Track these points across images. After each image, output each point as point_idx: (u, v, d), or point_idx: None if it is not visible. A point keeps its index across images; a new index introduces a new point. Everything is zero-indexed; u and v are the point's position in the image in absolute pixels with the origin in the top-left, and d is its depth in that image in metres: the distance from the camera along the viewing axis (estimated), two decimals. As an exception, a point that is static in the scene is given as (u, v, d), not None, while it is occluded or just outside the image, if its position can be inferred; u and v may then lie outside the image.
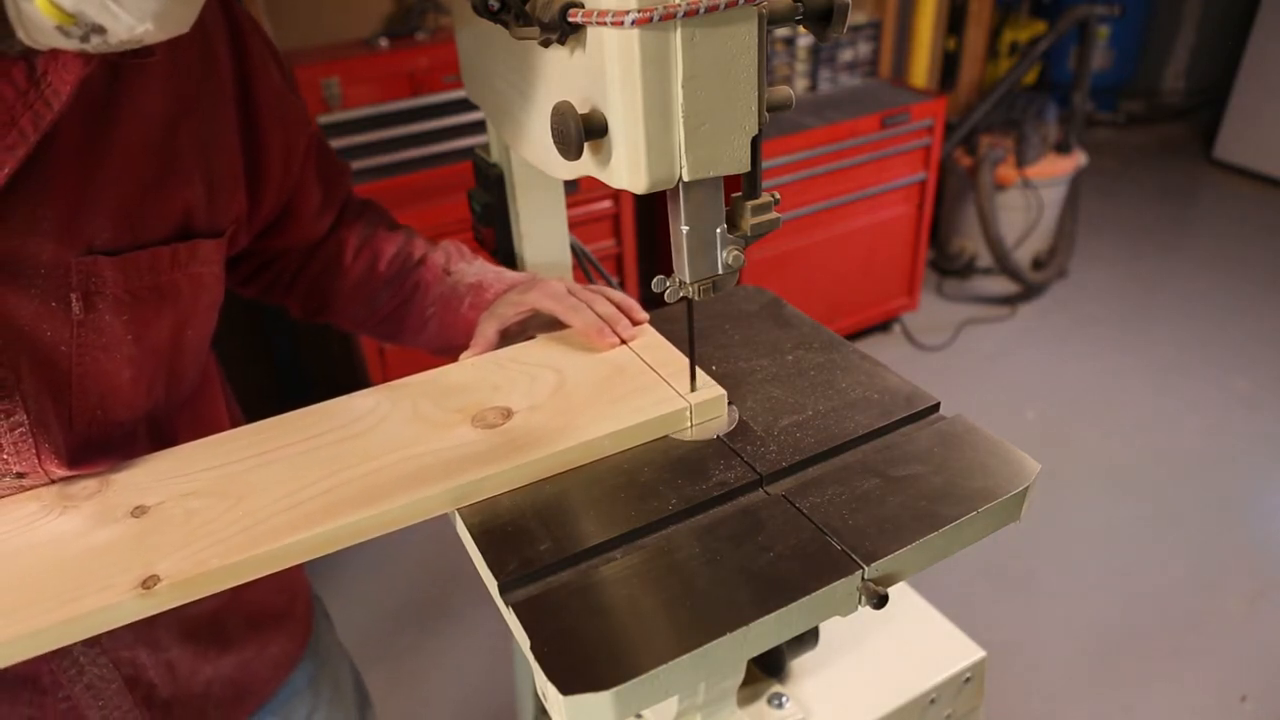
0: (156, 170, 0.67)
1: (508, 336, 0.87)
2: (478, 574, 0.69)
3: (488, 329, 0.86)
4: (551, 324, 0.86)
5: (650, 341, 0.85)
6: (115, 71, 0.63)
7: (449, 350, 0.91)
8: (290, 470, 0.70)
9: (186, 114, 0.69)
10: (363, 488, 0.68)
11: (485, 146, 0.99)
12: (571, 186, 2.38)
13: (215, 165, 0.73)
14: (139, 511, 0.66)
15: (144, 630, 0.77)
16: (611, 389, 0.78)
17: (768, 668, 0.87)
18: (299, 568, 0.98)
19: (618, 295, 0.88)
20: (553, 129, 0.61)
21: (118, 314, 0.67)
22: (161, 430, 0.78)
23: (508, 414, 0.76)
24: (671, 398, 0.77)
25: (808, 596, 0.60)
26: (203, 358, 0.82)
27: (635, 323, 0.86)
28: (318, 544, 0.64)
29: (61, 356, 0.65)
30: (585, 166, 0.63)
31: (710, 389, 0.78)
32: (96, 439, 0.71)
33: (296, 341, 2.83)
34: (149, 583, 0.59)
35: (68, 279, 0.63)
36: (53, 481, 0.69)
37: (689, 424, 0.77)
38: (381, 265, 0.94)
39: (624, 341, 0.84)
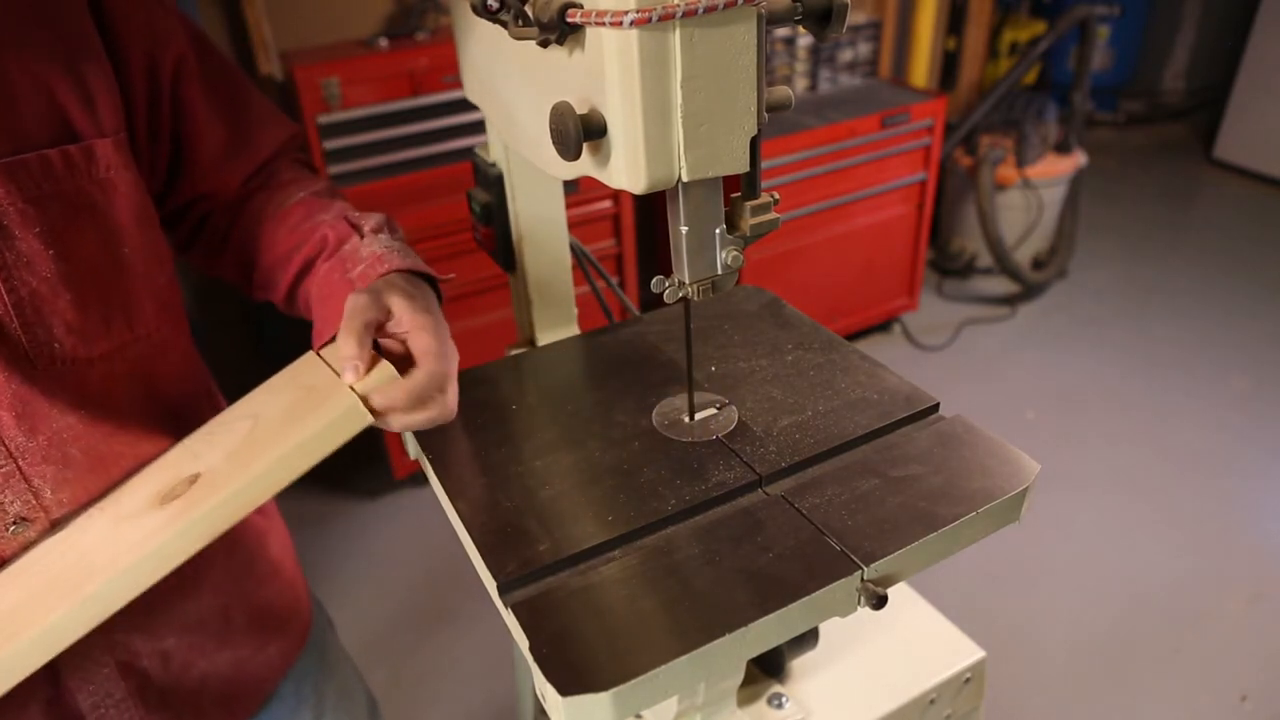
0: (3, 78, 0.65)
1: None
2: (477, 575, 0.69)
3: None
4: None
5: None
6: None
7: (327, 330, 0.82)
8: None
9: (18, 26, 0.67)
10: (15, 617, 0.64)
11: (485, 146, 0.99)
12: (571, 186, 2.38)
13: (83, 71, 0.71)
14: None
15: (141, 618, 0.77)
16: (296, 411, 0.73)
17: (768, 668, 0.87)
18: (298, 574, 0.98)
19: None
20: (551, 129, 0.61)
21: (27, 227, 0.66)
22: (141, 375, 0.77)
23: (194, 479, 0.71)
24: (340, 394, 0.71)
25: (807, 597, 0.60)
26: (160, 290, 0.79)
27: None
28: None
29: None
30: (584, 167, 0.63)
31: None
32: (70, 384, 0.70)
33: (292, 338, 2.83)
34: None
35: None
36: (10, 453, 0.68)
37: (366, 411, 0.70)
38: (289, 223, 0.87)
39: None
